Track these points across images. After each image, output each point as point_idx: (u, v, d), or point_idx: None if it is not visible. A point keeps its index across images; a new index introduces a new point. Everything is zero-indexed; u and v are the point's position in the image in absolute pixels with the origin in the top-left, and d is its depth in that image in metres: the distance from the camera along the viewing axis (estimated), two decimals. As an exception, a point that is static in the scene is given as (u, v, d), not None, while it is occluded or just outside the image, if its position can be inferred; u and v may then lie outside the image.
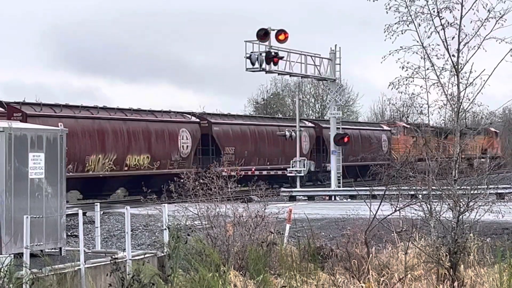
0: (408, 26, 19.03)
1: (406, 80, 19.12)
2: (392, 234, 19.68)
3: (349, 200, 39.34)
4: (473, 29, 18.84)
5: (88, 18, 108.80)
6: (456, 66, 18.96)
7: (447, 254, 17.74)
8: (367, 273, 18.06)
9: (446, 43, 18.93)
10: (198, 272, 17.09)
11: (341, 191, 42.14)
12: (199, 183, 20.55)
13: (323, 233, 24.26)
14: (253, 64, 38.95)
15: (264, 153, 49.93)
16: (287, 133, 52.37)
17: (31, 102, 37.82)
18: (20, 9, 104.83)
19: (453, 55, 18.97)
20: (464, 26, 18.88)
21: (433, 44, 19.01)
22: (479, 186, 18.56)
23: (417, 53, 19.09)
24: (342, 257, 18.94)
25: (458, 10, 18.83)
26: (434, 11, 18.90)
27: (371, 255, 18.60)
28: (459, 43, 18.92)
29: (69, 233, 23.17)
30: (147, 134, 41.35)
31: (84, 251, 16.89)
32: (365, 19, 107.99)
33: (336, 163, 43.57)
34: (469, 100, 19.11)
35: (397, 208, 18.59)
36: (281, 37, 39.02)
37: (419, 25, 18.98)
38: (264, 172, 47.35)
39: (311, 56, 42.42)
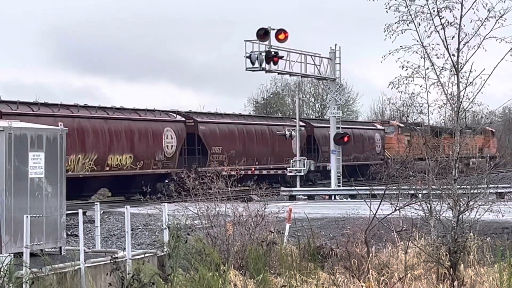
0: (408, 25, 19.06)
1: (406, 79, 19.14)
2: (392, 234, 19.69)
3: (349, 199, 39.33)
4: (473, 29, 18.87)
5: (88, 18, 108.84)
6: (456, 66, 18.96)
7: (447, 253, 17.74)
8: (367, 272, 18.06)
9: (446, 42, 18.95)
10: (198, 272, 17.09)
11: (341, 190, 42.14)
12: (199, 182, 20.55)
13: (323, 233, 24.27)
14: (253, 63, 38.93)
15: (253, 153, 48.79)
16: (287, 132, 52.28)
17: (8, 100, 36.31)
18: (20, 9, 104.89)
19: (453, 55, 18.98)
20: (464, 25, 18.91)
21: (433, 44, 19.05)
22: (479, 186, 18.56)
23: (417, 52, 19.12)
24: (342, 256, 18.95)
25: (458, 9, 18.86)
26: (434, 11, 18.92)
27: (371, 254, 18.60)
28: (459, 42, 18.93)
29: (69, 233, 23.17)
30: (130, 133, 40.24)
31: (84, 250, 16.87)
32: (365, 19, 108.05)
33: (336, 163, 43.56)
34: (469, 99, 19.13)
35: (397, 208, 18.59)
36: (281, 36, 39.01)
37: (419, 24, 19.01)
38: (255, 172, 46.55)
39: (311, 55, 42.42)
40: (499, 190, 31.56)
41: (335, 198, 41.22)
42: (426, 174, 19.01)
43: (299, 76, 47.23)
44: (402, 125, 66.06)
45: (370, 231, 18.94)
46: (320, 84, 76.39)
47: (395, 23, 19.05)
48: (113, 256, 16.56)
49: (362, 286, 17.58)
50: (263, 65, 39.06)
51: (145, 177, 40.40)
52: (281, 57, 39.84)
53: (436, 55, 19.04)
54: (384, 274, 18.05)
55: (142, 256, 18.27)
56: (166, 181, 41.54)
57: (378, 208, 18.74)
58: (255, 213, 19.99)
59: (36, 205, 17.73)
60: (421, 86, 19.17)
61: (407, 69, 19.08)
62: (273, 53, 39.14)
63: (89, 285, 16.24)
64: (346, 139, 44.25)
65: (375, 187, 20.87)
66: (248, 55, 38.88)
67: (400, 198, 18.95)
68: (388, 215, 18.86)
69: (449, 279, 17.49)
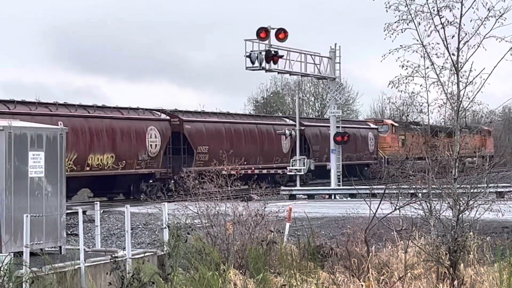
0: (408, 24, 19.06)
1: (406, 78, 19.15)
2: (392, 233, 19.69)
3: (349, 198, 39.34)
4: (473, 28, 18.87)
5: (88, 18, 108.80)
6: (456, 65, 18.96)
7: (447, 252, 17.73)
8: (367, 271, 18.06)
9: (446, 41, 18.95)
10: (198, 271, 17.08)
11: (341, 189, 42.15)
12: (199, 181, 20.56)
13: (323, 232, 24.28)
14: (253, 62, 38.94)
15: (241, 153, 47.05)
16: (287, 132, 52.15)
17: None
18: (20, 9, 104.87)
19: (453, 54, 18.98)
20: (464, 24, 18.91)
21: (433, 43, 19.05)
22: (479, 185, 18.56)
23: (417, 51, 19.12)
24: (342, 255, 18.95)
25: (458, 8, 18.86)
26: (434, 10, 18.91)
27: (371, 253, 18.60)
28: (459, 41, 18.93)
29: (69, 232, 23.17)
30: (111, 132, 38.93)
31: (84, 249, 16.88)
32: (365, 18, 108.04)
33: (336, 162, 43.56)
34: (469, 98, 19.13)
35: (397, 207, 18.59)
36: (281, 35, 39.03)
37: (419, 23, 19.01)
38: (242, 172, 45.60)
39: (311, 54, 42.42)
40: (499, 190, 31.60)
41: (335, 198, 41.24)
42: (425, 174, 19.01)
43: (299, 76, 47.19)
44: (396, 124, 65.64)
45: (370, 230, 18.94)
46: (320, 84, 76.37)
47: (395, 22, 19.06)
48: (113, 255, 16.56)
49: (362, 285, 17.57)
50: (263, 64, 39.07)
51: (128, 177, 39.76)
52: (281, 56, 39.85)
53: (436, 54, 19.06)
54: (384, 274, 18.05)
55: (142, 255, 18.29)
56: (151, 181, 41.16)
57: (378, 208, 18.73)
58: (255, 213, 20.00)
59: (36, 205, 17.74)
60: (421, 85, 19.20)
61: (407, 69, 19.10)
62: (273, 52, 39.14)
63: (89, 285, 16.24)
64: (346, 138, 44.16)
65: (375, 186, 20.87)
66: (248, 54, 38.88)
67: (400, 197, 18.95)
68: (388, 214, 18.86)
69: (449, 278, 17.49)
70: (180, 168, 42.21)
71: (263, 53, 38.84)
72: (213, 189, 20.35)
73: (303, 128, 52.31)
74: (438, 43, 18.99)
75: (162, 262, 18.49)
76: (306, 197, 41.64)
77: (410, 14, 18.96)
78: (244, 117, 52.40)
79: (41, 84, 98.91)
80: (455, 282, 17.28)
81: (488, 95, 19.77)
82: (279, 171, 49.20)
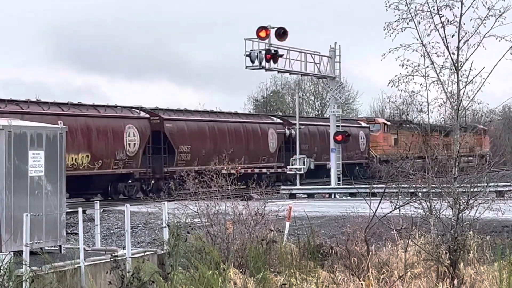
0: (408, 24, 19.03)
1: (406, 78, 19.12)
2: (392, 232, 19.70)
3: (349, 198, 39.35)
4: (473, 27, 18.85)
5: (88, 18, 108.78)
6: (456, 64, 18.95)
7: (446, 252, 17.73)
8: (367, 271, 18.06)
9: (446, 41, 18.93)
10: (198, 270, 17.09)
11: (341, 189, 42.14)
12: (199, 180, 20.55)
13: (323, 231, 24.28)
14: (252, 62, 38.91)
15: (225, 152, 46.38)
16: (287, 131, 52.07)
17: None
18: (20, 9, 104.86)
19: (453, 53, 18.96)
20: (464, 24, 18.88)
21: (433, 42, 19.02)
22: (478, 184, 18.56)
23: (417, 51, 19.09)
24: (341, 255, 18.95)
25: (458, 8, 18.83)
26: (434, 9, 18.89)
27: (370, 253, 18.60)
28: (459, 41, 18.91)
29: (68, 231, 23.17)
30: (87, 131, 37.83)
31: (84, 249, 16.88)
32: (365, 17, 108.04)
33: (335, 161, 43.53)
34: (468, 98, 19.11)
35: (397, 206, 18.60)
36: (281, 35, 39.00)
37: (419, 23, 18.98)
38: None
39: (310, 54, 42.40)
40: (499, 189, 31.57)
41: (335, 197, 41.25)
42: (425, 173, 19.01)
43: (299, 75, 47.12)
44: (388, 122, 65.02)
45: (370, 229, 18.95)
46: (320, 83, 76.35)
47: (395, 21, 19.04)
48: (113, 254, 16.57)
49: (362, 284, 17.57)
50: (263, 63, 39.04)
51: (105, 177, 38.92)
52: (281, 56, 39.82)
53: (436, 53, 19.03)
54: (384, 273, 18.05)
55: (142, 254, 18.28)
56: (129, 181, 40.45)
57: (378, 207, 18.74)
58: (255, 212, 19.99)
59: (36, 204, 17.74)
60: (421, 84, 19.17)
61: (407, 68, 19.07)
62: (273, 51, 39.11)
63: (89, 284, 16.24)
64: (346, 137, 44.08)
65: (375, 186, 20.87)
66: (248, 53, 38.85)
67: (400, 196, 18.95)
68: (388, 213, 18.87)
69: (449, 277, 17.49)
70: (161, 168, 42.10)
71: (263, 52, 38.80)
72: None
73: (291, 127, 51.75)
74: (438, 42, 18.99)
75: (162, 261, 18.49)
76: (306, 196, 41.64)
77: (410, 13, 18.94)
78: (229, 115, 50.65)
79: (41, 84, 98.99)
80: (455, 281, 17.28)
81: (488, 94, 19.76)
82: (265, 170, 48.49)
